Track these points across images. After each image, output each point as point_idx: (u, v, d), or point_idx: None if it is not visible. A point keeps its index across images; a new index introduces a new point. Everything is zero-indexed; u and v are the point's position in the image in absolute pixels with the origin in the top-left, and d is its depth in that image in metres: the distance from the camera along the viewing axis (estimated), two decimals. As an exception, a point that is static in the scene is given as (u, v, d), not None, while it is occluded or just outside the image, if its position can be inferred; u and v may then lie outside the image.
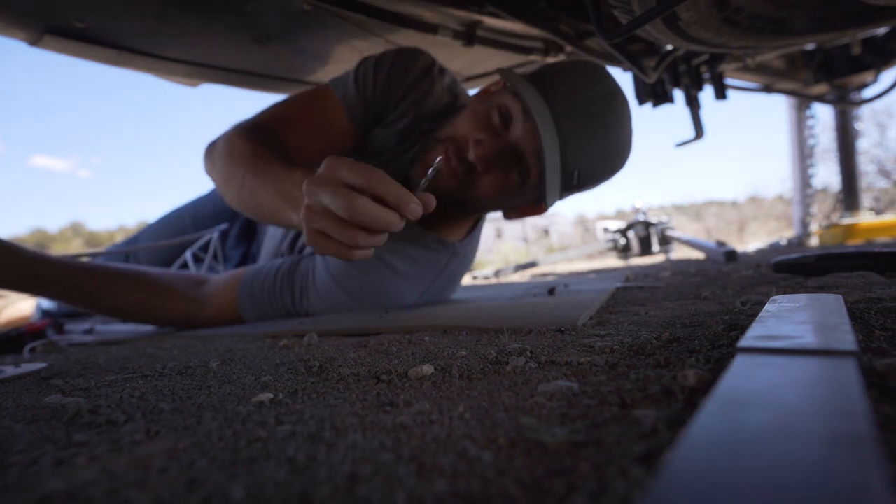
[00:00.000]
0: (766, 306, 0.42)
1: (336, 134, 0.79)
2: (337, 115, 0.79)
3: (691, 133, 1.46)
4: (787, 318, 0.35)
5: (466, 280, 2.15)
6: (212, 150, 0.76)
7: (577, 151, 0.68)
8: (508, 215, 0.83)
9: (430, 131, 0.79)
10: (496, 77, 1.30)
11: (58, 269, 0.70)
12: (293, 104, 0.79)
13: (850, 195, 2.44)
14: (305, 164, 0.67)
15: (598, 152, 0.69)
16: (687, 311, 0.56)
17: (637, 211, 2.82)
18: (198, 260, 1.05)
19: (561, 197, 0.73)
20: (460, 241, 0.83)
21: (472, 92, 0.84)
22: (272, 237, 0.96)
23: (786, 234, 3.41)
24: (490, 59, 1.23)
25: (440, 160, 0.50)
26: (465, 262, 0.88)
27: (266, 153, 0.67)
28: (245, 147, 0.69)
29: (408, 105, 0.81)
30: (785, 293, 0.56)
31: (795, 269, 0.80)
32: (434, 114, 0.81)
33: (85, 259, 0.76)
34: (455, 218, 0.83)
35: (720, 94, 1.39)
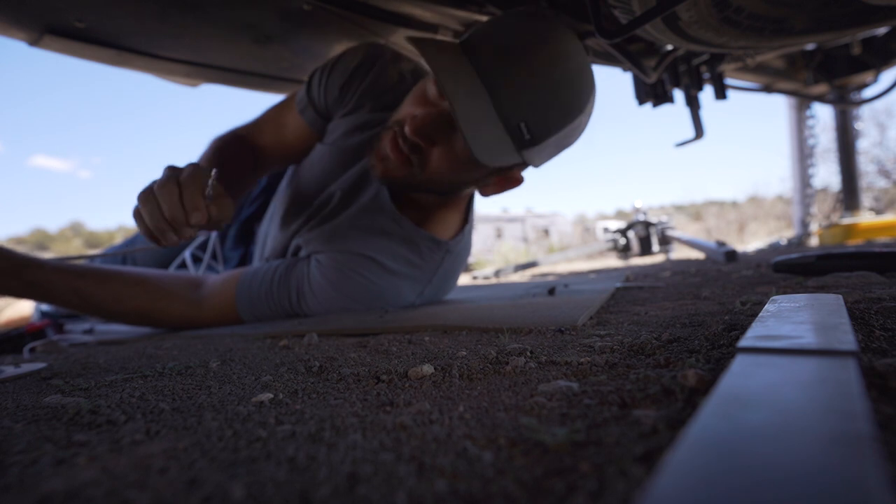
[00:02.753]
0: (766, 306, 0.42)
1: (294, 136, 0.89)
2: (295, 120, 0.88)
3: (691, 133, 1.46)
4: (787, 318, 0.35)
5: (466, 280, 2.15)
6: None
7: (513, 101, 0.64)
8: (484, 192, 0.81)
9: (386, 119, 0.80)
10: None
11: (58, 276, 0.70)
12: (269, 110, 0.90)
13: (850, 195, 2.43)
14: (274, 161, 0.89)
15: (539, 99, 0.64)
16: (687, 311, 0.56)
17: (637, 211, 2.82)
18: (196, 260, 1.05)
19: (522, 156, 0.69)
20: (452, 240, 0.83)
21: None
22: (273, 238, 0.96)
23: (786, 234, 3.41)
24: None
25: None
26: (460, 260, 0.88)
27: (219, 154, 0.80)
28: (210, 148, 0.82)
29: (360, 96, 0.83)
30: (785, 293, 0.56)
31: (795, 269, 0.80)
32: (397, 101, 0.80)
33: (83, 262, 0.76)
34: (436, 207, 0.82)
35: (720, 94, 1.39)
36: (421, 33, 1.01)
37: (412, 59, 0.87)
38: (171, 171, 0.61)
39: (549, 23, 0.66)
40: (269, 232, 0.94)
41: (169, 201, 0.58)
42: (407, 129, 0.69)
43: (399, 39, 1.06)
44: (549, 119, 0.66)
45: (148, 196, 0.60)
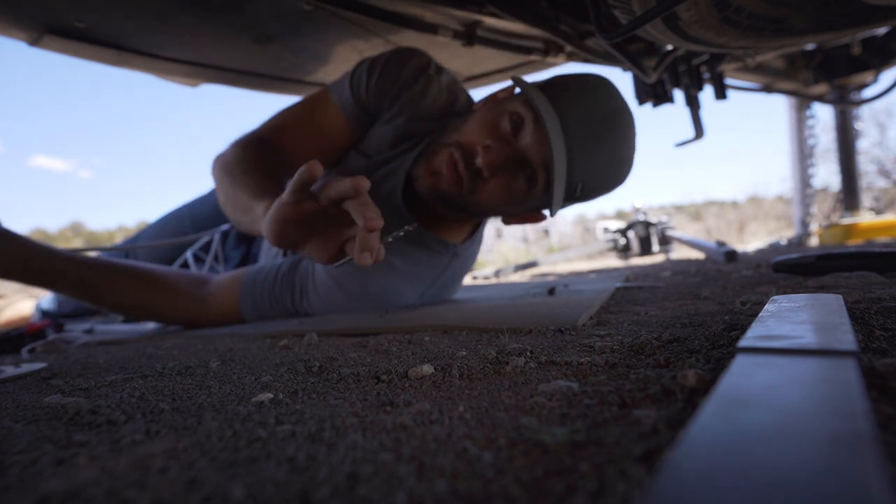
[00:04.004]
0: (766, 306, 0.42)
1: (333, 134, 0.83)
2: (333, 117, 0.82)
3: (691, 133, 1.46)
4: (787, 318, 0.35)
5: (466, 280, 2.15)
6: (216, 160, 0.78)
7: (583, 164, 0.69)
8: (507, 221, 0.83)
9: (433, 133, 0.79)
10: (499, 78, 1.31)
11: (67, 264, 0.71)
12: (293, 109, 0.82)
13: (850, 195, 2.43)
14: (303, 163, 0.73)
15: (602, 166, 0.70)
16: (687, 311, 0.56)
17: (637, 211, 2.82)
18: (198, 260, 1.05)
19: (563, 207, 0.74)
20: (462, 244, 0.84)
21: (473, 91, 0.84)
22: None
23: (786, 234, 3.41)
24: (490, 59, 1.22)
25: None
26: (466, 265, 0.88)
27: (250, 168, 0.71)
28: (233, 159, 0.73)
29: (403, 103, 0.81)
30: (785, 293, 0.56)
31: (795, 269, 0.80)
32: (433, 114, 0.81)
33: (92, 254, 0.76)
34: (456, 220, 0.83)
35: (720, 94, 1.39)
36: (421, 33, 1.01)
37: (450, 71, 0.87)
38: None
39: (622, 97, 0.72)
40: None
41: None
42: (479, 160, 0.69)
43: (399, 39, 1.06)
44: (603, 186, 0.73)
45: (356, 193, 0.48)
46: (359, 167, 0.82)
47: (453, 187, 0.72)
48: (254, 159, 0.73)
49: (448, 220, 0.83)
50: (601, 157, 0.69)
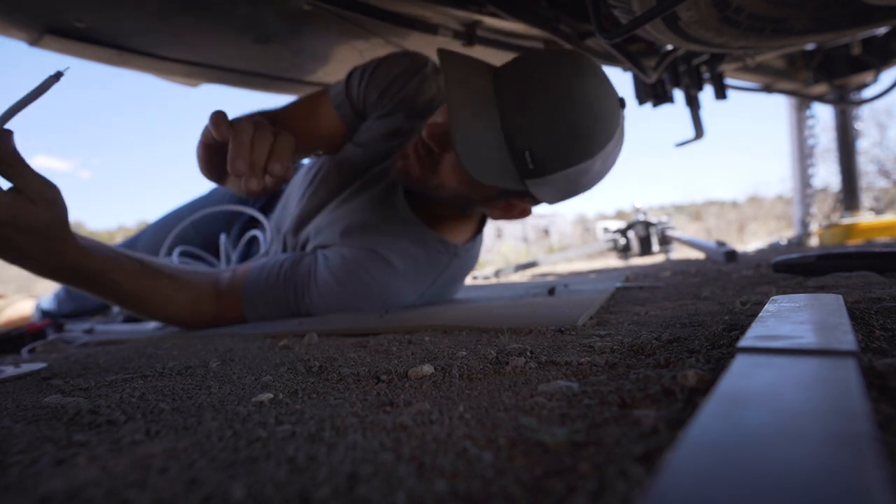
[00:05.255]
0: (766, 306, 0.42)
1: (326, 127, 0.89)
2: (328, 115, 0.88)
3: (691, 133, 1.46)
4: (787, 318, 0.35)
5: (467, 280, 2.15)
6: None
7: (521, 127, 0.64)
8: (491, 214, 0.82)
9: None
10: None
11: (105, 266, 0.64)
12: (298, 101, 0.89)
13: (850, 195, 2.43)
14: (301, 148, 0.86)
15: (549, 133, 0.65)
16: (687, 311, 0.56)
17: (637, 211, 2.82)
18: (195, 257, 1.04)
19: (526, 185, 0.69)
20: (463, 245, 0.84)
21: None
22: (287, 229, 0.96)
23: (786, 234, 3.41)
24: (490, 59, 1.22)
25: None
26: (467, 266, 0.88)
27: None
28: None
29: (396, 102, 0.84)
30: (785, 293, 0.56)
31: (795, 269, 0.80)
32: (431, 112, 0.82)
33: (123, 253, 0.71)
34: (457, 220, 0.83)
35: (720, 94, 1.39)
36: (421, 33, 1.01)
37: None
38: (265, 122, 0.63)
39: (587, 66, 0.66)
40: (281, 221, 0.95)
41: (261, 144, 0.60)
42: (424, 133, 0.71)
43: (399, 39, 1.06)
44: (556, 154, 0.66)
45: (244, 127, 0.61)
46: (355, 158, 0.86)
47: (416, 168, 0.75)
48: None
49: (449, 220, 0.83)
50: (546, 122, 0.64)
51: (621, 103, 0.69)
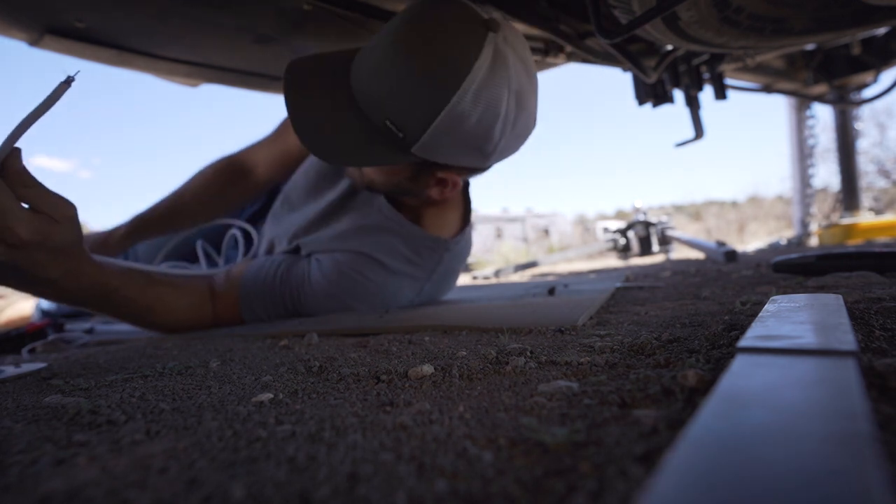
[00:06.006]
0: (766, 306, 0.42)
1: (295, 154, 0.96)
2: (295, 142, 0.94)
3: (691, 133, 1.46)
4: (787, 318, 0.35)
5: (466, 280, 2.15)
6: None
7: (372, 102, 0.63)
8: (430, 197, 0.78)
9: None
10: None
11: (119, 281, 0.63)
12: (271, 133, 0.98)
13: (849, 195, 2.43)
14: (276, 175, 0.97)
15: (394, 94, 0.61)
16: (687, 311, 0.56)
17: (637, 211, 2.82)
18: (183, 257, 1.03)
19: (414, 155, 0.66)
20: (452, 238, 0.84)
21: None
22: (277, 237, 0.96)
23: (786, 234, 3.41)
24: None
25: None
26: (460, 259, 0.88)
27: (191, 184, 0.93)
28: (194, 178, 0.94)
29: None
30: (785, 293, 0.56)
31: (795, 269, 0.80)
32: None
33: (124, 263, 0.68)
34: (427, 208, 0.82)
35: (720, 94, 1.39)
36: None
37: None
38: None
39: (416, 13, 0.61)
40: (271, 231, 0.95)
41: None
42: None
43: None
44: (412, 111, 0.61)
45: None
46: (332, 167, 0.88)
47: (351, 173, 0.79)
48: (219, 170, 0.94)
49: (430, 216, 0.82)
50: (389, 86, 0.61)
51: (488, 26, 0.60)
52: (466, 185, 0.89)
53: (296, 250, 0.85)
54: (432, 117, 0.61)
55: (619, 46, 0.84)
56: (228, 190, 0.94)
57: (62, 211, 0.49)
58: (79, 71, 0.45)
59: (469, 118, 0.61)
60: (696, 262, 1.81)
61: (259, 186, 0.97)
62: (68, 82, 0.45)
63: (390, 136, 0.64)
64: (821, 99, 1.98)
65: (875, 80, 1.84)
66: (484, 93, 0.60)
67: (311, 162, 0.91)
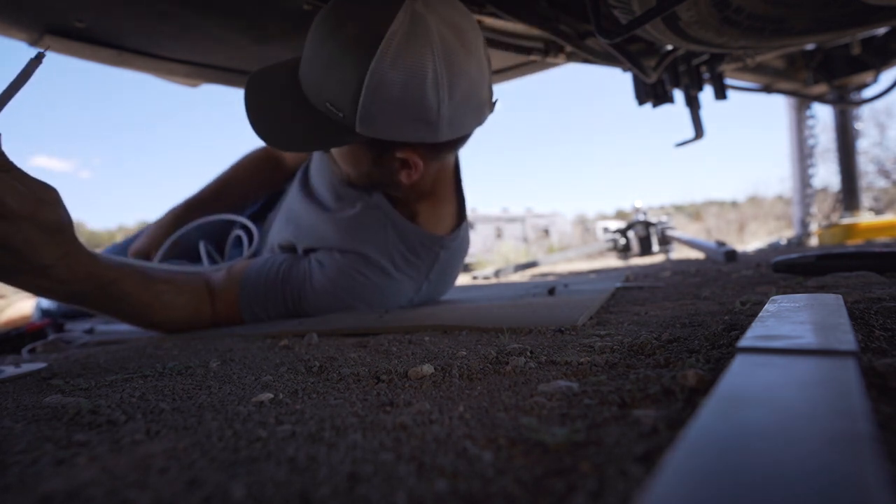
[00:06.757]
0: (766, 306, 0.42)
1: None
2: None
3: (691, 133, 1.46)
4: (787, 318, 0.35)
5: (466, 280, 2.15)
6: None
7: (311, 89, 0.66)
8: (398, 182, 0.76)
9: None
10: (499, 79, 1.31)
11: (116, 274, 0.63)
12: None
13: (849, 195, 2.43)
14: (297, 165, 1.07)
15: (324, 77, 0.63)
16: (687, 311, 0.56)
17: (637, 211, 2.83)
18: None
19: (359, 134, 0.66)
20: (448, 235, 0.83)
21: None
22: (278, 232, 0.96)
23: (786, 234, 3.41)
24: (491, 59, 1.22)
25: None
26: (457, 256, 0.88)
27: (187, 204, 1.01)
28: (234, 165, 1.06)
29: None
30: (785, 293, 0.56)
31: (795, 269, 0.80)
32: None
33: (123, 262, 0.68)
34: (420, 203, 0.82)
35: (720, 94, 1.39)
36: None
37: None
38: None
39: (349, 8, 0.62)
40: (275, 226, 0.95)
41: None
42: None
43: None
44: (340, 88, 0.63)
45: None
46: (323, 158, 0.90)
47: (335, 172, 0.81)
48: (212, 187, 1.03)
49: (424, 210, 0.82)
50: (320, 72, 0.63)
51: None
52: (459, 180, 0.88)
53: (294, 248, 0.85)
54: (358, 88, 0.62)
55: (619, 46, 0.84)
56: (266, 175, 1.07)
57: (45, 193, 0.49)
58: (49, 46, 0.45)
59: (393, 84, 0.61)
60: (696, 262, 1.81)
61: (288, 173, 1.09)
62: (39, 59, 0.45)
63: (333, 119, 0.66)
64: (821, 99, 1.98)
65: (875, 80, 1.84)
66: (403, 57, 0.60)
67: (315, 164, 0.91)
